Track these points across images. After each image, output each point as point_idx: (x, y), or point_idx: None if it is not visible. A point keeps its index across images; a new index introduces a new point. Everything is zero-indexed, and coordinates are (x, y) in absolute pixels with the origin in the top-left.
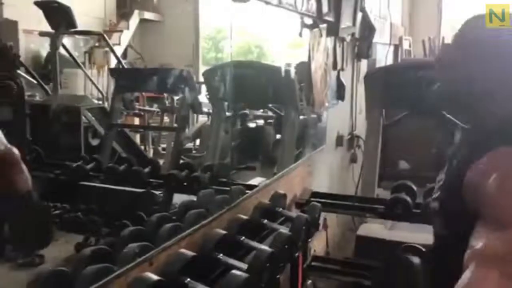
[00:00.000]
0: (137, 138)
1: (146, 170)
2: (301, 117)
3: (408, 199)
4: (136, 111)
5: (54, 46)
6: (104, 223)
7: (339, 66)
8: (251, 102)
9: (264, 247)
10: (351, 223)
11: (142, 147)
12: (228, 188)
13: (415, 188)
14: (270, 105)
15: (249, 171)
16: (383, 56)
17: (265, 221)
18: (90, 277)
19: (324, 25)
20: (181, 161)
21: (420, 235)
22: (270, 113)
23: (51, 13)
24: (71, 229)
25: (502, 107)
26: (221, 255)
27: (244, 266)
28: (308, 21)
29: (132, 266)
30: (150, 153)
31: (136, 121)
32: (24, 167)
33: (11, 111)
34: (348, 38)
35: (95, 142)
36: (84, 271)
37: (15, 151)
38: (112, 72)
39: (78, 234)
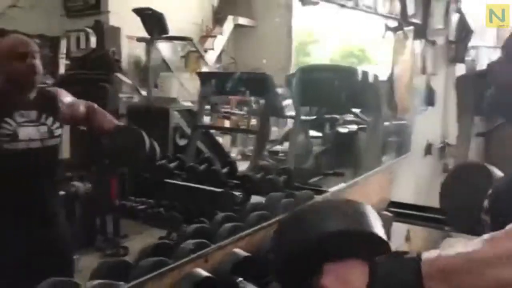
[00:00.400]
0: (228, 140)
1: (224, 170)
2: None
3: None
4: (225, 114)
5: (148, 50)
6: (184, 220)
7: (429, 70)
8: (328, 106)
9: None
10: (438, 237)
11: (233, 149)
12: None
13: None
14: (353, 109)
15: (336, 177)
16: (488, 60)
17: None
18: (145, 268)
19: (411, 28)
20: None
21: None
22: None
23: (146, 19)
24: (154, 224)
25: None
26: None
27: None
28: (393, 23)
29: (186, 261)
30: (237, 155)
31: (226, 123)
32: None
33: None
34: (441, 41)
35: (182, 142)
36: (141, 262)
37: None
38: (199, 75)
39: (160, 229)
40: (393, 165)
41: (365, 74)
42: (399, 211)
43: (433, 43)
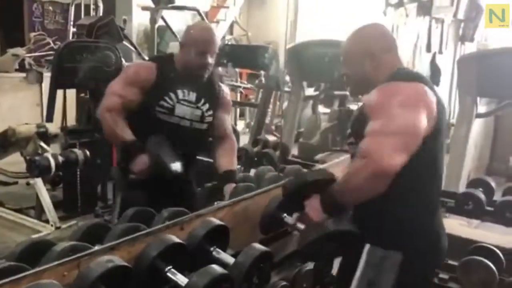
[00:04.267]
0: (237, 113)
1: None
2: None
3: (482, 196)
4: (232, 86)
5: (153, 20)
6: None
7: (435, 49)
8: (332, 82)
9: None
10: None
11: (240, 122)
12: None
13: (493, 184)
14: None
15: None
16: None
17: None
18: (119, 233)
19: (414, 4)
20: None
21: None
22: None
23: None
24: None
25: None
26: None
27: None
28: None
29: (161, 227)
30: (244, 128)
31: (234, 96)
32: None
33: (109, 77)
34: (449, 19)
35: None
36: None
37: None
38: None
39: None
40: None
41: None
42: None
43: (440, 21)
